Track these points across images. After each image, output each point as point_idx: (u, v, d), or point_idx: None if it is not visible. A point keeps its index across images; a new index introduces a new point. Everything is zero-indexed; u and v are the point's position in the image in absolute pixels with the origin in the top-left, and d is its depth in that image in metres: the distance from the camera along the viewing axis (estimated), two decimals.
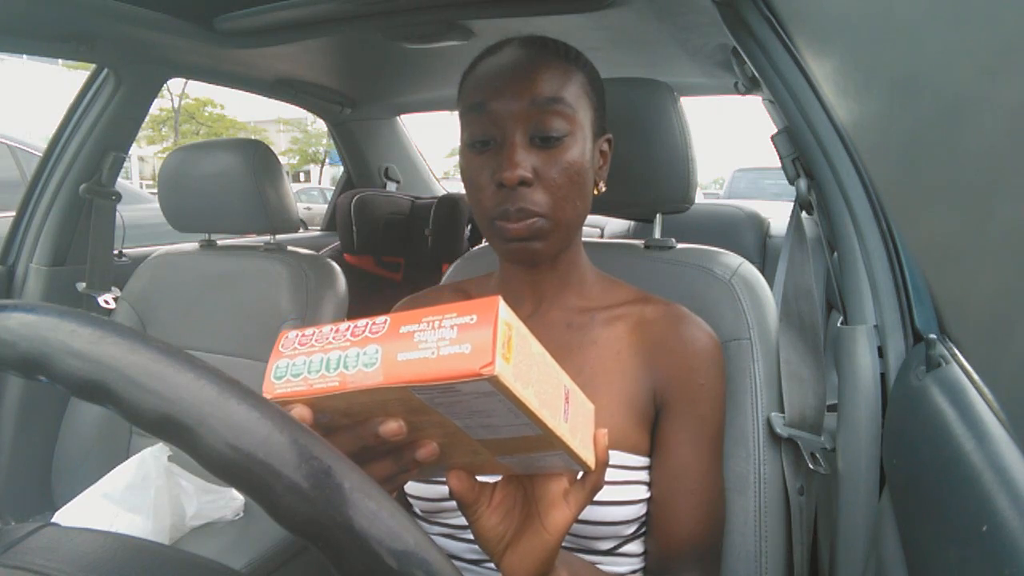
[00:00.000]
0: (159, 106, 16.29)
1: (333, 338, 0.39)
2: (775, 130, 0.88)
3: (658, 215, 0.89)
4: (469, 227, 2.17)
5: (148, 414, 0.28)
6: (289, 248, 1.41)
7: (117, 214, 1.54)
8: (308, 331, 0.41)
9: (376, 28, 1.21)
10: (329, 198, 2.79)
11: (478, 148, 0.64)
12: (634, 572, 0.67)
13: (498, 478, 0.49)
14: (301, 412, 0.39)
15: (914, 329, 0.70)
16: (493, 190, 0.63)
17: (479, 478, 0.48)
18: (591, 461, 0.45)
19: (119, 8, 1.10)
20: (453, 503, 0.64)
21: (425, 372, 0.35)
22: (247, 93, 1.87)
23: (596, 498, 0.49)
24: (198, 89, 16.74)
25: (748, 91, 1.47)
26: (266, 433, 0.29)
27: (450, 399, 0.37)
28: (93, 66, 1.44)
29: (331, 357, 0.38)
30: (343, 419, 0.41)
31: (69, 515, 1.05)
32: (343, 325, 0.40)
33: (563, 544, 0.61)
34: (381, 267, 2.36)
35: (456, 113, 0.70)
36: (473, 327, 0.35)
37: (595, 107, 0.68)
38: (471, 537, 0.66)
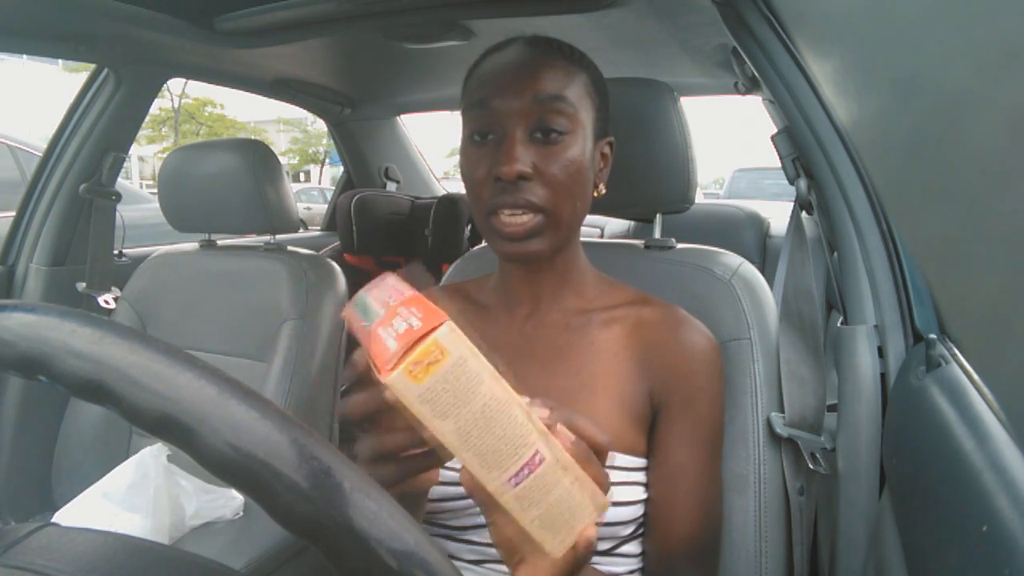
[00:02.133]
0: (159, 106, 16.28)
1: (394, 296, 0.39)
2: (775, 130, 0.88)
3: (658, 215, 0.89)
4: (469, 227, 2.17)
5: (148, 414, 0.28)
6: (289, 248, 1.41)
7: (117, 214, 1.54)
8: (400, 286, 0.40)
9: (376, 28, 1.21)
10: (329, 198, 2.79)
11: (478, 141, 0.65)
12: (632, 572, 0.67)
13: None
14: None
15: (914, 329, 0.70)
16: (491, 184, 0.63)
17: None
18: (551, 547, 0.41)
19: (119, 8, 1.10)
20: (454, 504, 0.64)
21: (370, 349, 0.36)
22: (247, 93, 1.87)
23: None
24: (198, 89, 16.74)
25: (748, 91, 1.47)
26: (266, 433, 0.29)
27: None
28: (93, 66, 1.44)
29: (375, 310, 0.39)
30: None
31: (69, 515, 1.05)
32: (408, 291, 0.39)
33: None
34: (381, 267, 2.36)
35: (456, 113, 0.70)
36: (410, 330, 0.35)
37: (597, 108, 0.68)
38: (471, 538, 0.66)
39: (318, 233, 2.46)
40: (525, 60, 0.65)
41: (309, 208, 10.93)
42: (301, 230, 2.45)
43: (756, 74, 0.87)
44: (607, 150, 0.71)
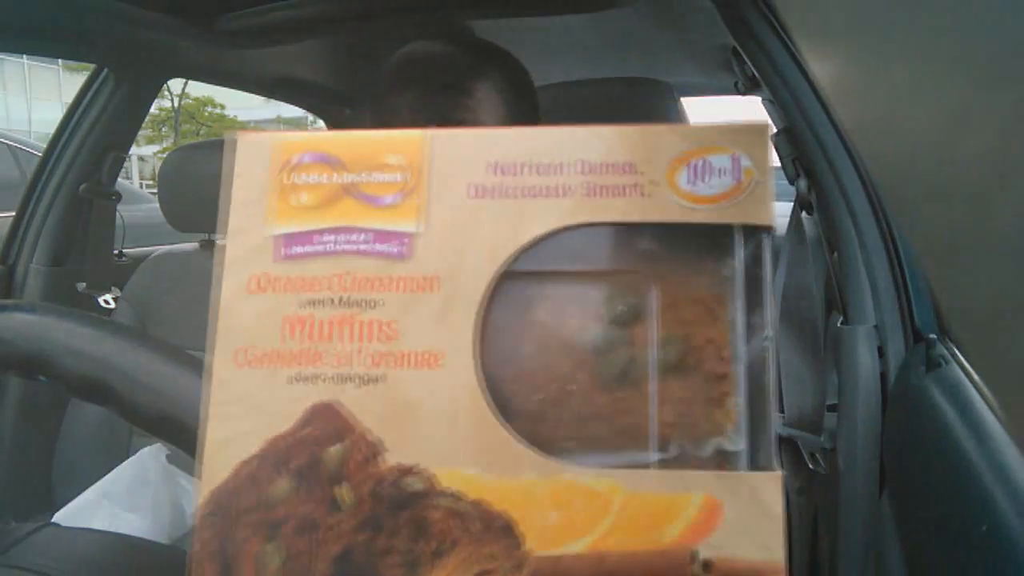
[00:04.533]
0: (159, 106, 16.28)
1: None
2: (775, 130, 0.88)
3: None
4: None
5: (148, 414, 0.28)
6: None
7: (117, 214, 1.54)
8: None
9: (376, 28, 1.21)
10: None
11: None
12: None
13: None
14: None
15: (914, 329, 0.70)
16: None
17: None
18: None
19: (119, 8, 1.10)
20: None
21: None
22: (247, 93, 1.87)
23: None
24: (198, 89, 16.75)
25: (748, 91, 1.47)
26: None
27: None
28: (93, 66, 1.44)
29: None
30: None
31: (69, 515, 1.05)
32: None
33: None
34: None
35: None
36: None
37: (511, 107, 0.63)
38: None
39: None
40: (425, 52, 0.63)
41: None
42: None
43: (756, 74, 0.87)
44: None
